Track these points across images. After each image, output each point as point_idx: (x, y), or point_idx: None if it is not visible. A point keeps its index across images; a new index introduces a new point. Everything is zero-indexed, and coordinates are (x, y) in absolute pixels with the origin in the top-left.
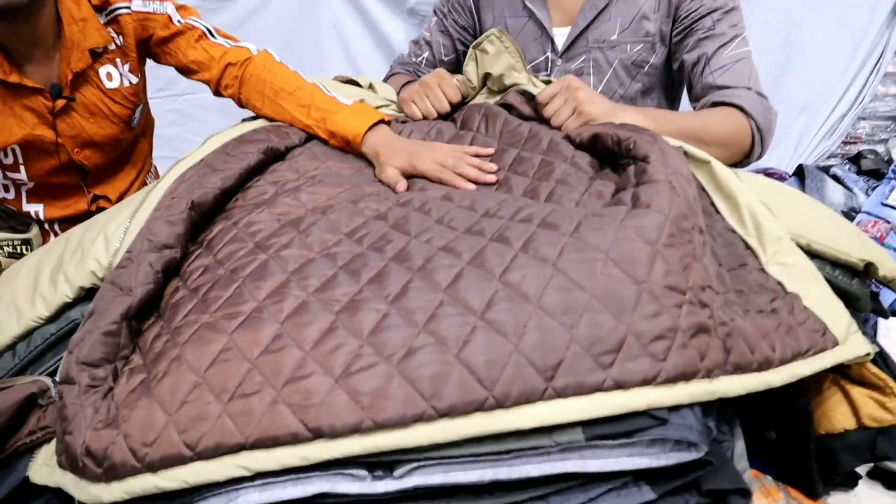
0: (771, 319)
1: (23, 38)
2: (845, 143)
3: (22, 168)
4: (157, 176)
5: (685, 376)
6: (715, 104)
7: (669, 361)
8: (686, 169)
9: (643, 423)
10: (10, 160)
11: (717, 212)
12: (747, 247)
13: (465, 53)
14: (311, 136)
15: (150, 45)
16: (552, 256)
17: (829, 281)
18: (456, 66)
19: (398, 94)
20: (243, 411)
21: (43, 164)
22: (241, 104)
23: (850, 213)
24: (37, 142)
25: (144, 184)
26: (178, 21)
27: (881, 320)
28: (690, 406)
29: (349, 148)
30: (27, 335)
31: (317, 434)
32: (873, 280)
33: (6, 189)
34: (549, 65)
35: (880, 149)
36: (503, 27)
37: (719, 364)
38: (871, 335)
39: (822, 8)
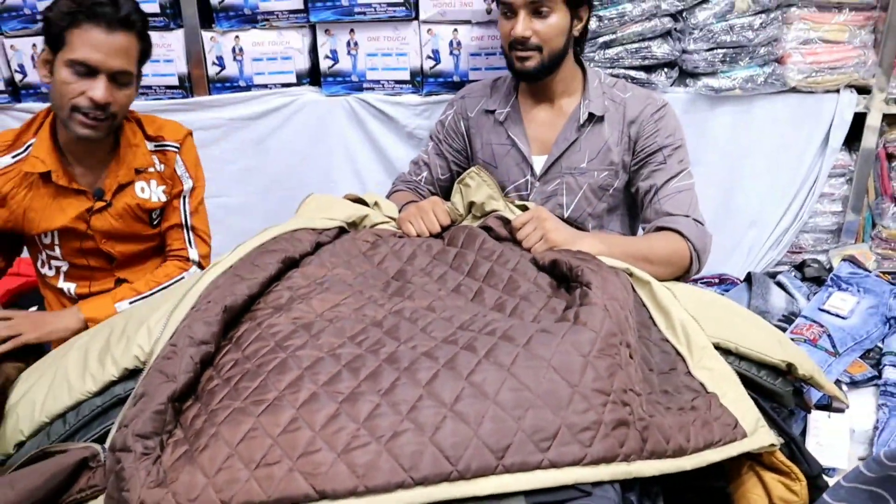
0: (690, 415)
1: (84, 150)
2: (792, 252)
3: (57, 248)
4: None
5: (606, 459)
6: (659, 228)
7: (594, 447)
8: (622, 294)
9: (572, 494)
10: (48, 240)
11: (655, 324)
12: (678, 353)
13: (458, 173)
14: (319, 244)
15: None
16: (507, 363)
17: (754, 381)
18: (451, 183)
19: (399, 212)
20: (266, 476)
21: (74, 247)
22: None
23: (790, 317)
24: (72, 230)
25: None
26: (184, 199)
27: (813, 413)
28: (612, 482)
29: None
30: (76, 406)
31: (322, 496)
32: (799, 380)
33: (49, 268)
34: (529, 186)
35: (822, 258)
36: (486, 160)
37: (636, 451)
38: (789, 427)
39: (764, 139)
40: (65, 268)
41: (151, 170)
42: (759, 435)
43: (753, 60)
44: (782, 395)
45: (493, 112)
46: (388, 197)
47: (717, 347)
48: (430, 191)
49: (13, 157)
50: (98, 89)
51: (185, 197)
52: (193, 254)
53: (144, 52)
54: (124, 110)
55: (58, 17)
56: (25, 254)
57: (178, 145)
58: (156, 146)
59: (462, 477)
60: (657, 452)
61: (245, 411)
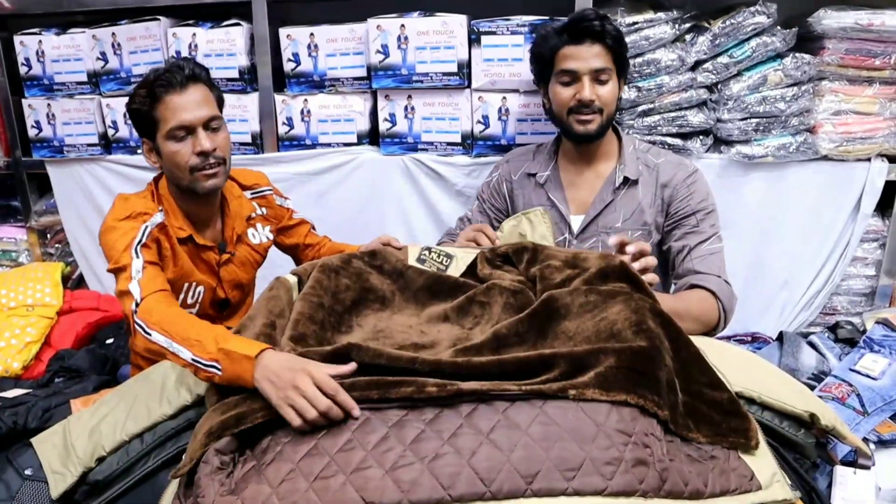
0: (709, 463)
1: (205, 209)
2: (825, 313)
3: (198, 305)
4: None
5: (626, 493)
6: (693, 286)
7: (614, 480)
8: None
9: None
10: (192, 299)
11: None
12: None
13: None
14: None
15: (275, 223)
16: (540, 403)
17: (776, 431)
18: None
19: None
20: (323, 488)
21: (206, 300)
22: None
23: (819, 376)
24: (205, 285)
25: None
26: (295, 215)
27: (838, 467)
28: None
29: None
30: (153, 427)
31: None
32: (826, 433)
33: None
34: (567, 244)
35: (856, 320)
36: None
37: (654, 489)
38: (812, 479)
39: (796, 203)
40: None
41: (254, 215)
42: (774, 489)
43: (786, 130)
44: (804, 446)
45: (534, 175)
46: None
47: (741, 396)
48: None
49: (158, 226)
50: (201, 141)
51: (293, 212)
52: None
53: (220, 98)
54: (229, 153)
55: (141, 104)
56: (105, 290)
57: (270, 188)
58: (253, 194)
59: (494, 497)
60: (675, 493)
61: (307, 433)
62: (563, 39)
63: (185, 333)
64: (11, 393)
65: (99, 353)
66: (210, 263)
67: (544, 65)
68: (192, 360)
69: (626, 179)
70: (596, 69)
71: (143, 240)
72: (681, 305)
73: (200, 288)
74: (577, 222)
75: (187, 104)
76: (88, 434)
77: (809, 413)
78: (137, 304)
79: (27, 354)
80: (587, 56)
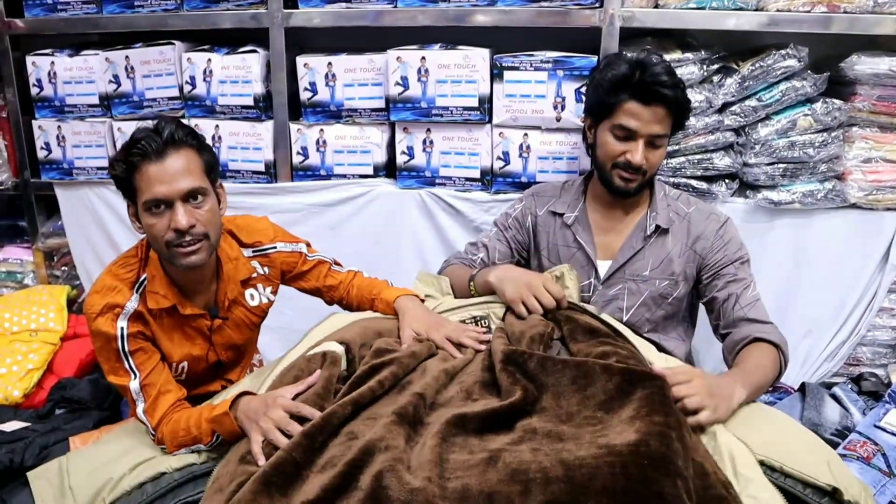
0: None
1: (194, 278)
2: (849, 364)
3: (185, 374)
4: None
5: None
6: (755, 339)
7: None
8: None
9: None
10: (177, 372)
11: None
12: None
13: (519, 262)
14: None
15: (286, 274)
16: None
17: (799, 497)
18: None
19: (473, 276)
20: None
21: (198, 367)
22: (341, 303)
23: (843, 431)
24: (198, 354)
25: (251, 364)
26: (309, 257)
27: None
28: None
29: (388, 309)
30: (158, 478)
31: None
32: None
33: None
34: (592, 289)
35: (881, 372)
36: (551, 260)
37: None
38: None
39: (822, 251)
40: (179, 379)
41: (254, 276)
42: None
43: (814, 176)
44: None
45: (560, 215)
46: (440, 271)
47: (763, 464)
48: None
49: (138, 292)
50: (177, 218)
51: (307, 256)
52: (344, 268)
53: (209, 163)
54: (215, 226)
55: (120, 171)
56: None
57: (273, 245)
58: (254, 252)
59: None
60: None
61: None
62: (630, 93)
63: (187, 438)
64: (10, 426)
65: (101, 383)
66: (201, 329)
67: (602, 108)
68: (204, 448)
69: (657, 227)
70: (654, 135)
71: (126, 346)
72: (762, 377)
73: (184, 364)
74: (603, 268)
75: (163, 175)
76: (87, 477)
77: (833, 487)
78: (151, 430)
79: (28, 382)
80: (650, 120)
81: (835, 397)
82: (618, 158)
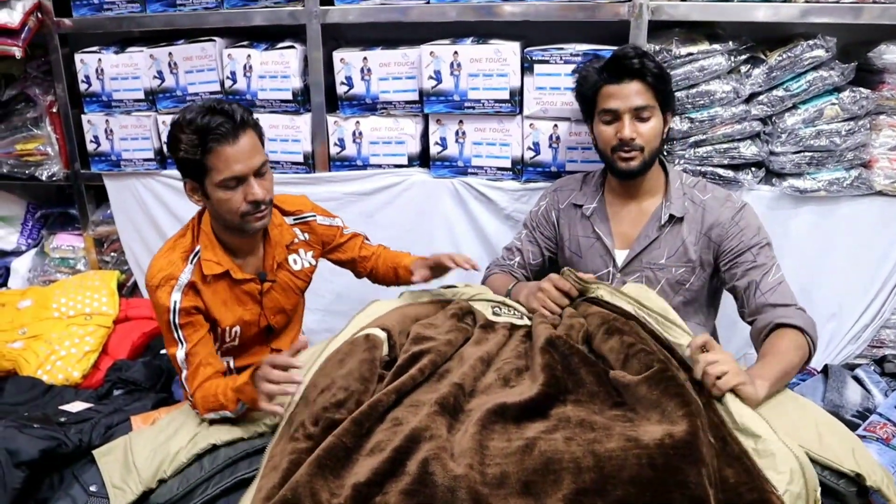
0: None
1: (247, 242)
2: (872, 346)
3: (238, 339)
4: None
5: None
6: (779, 325)
7: None
8: None
9: None
10: (230, 336)
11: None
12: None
13: (551, 258)
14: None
15: (326, 245)
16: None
17: (820, 480)
18: (542, 268)
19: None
20: None
21: (250, 332)
22: (370, 274)
23: (864, 413)
24: (250, 319)
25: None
26: (345, 231)
27: None
28: None
29: (406, 273)
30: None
31: None
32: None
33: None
34: (611, 277)
35: None
36: (572, 250)
37: None
38: None
39: (847, 237)
40: (229, 346)
41: (296, 241)
42: None
43: (840, 164)
44: (845, 494)
45: (580, 206)
46: (483, 281)
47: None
48: (523, 274)
49: (192, 262)
50: (255, 191)
51: (343, 230)
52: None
53: (262, 138)
54: (273, 193)
55: (190, 153)
56: None
57: (312, 213)
58: (295, 220)
59: None
60: None
61: None
62: (602, 78)
63: (215, 404)
64: (74, 407)
65: (154, 364)
66: (252, 294)
67: (587, 103)
68: (230, 414)
69: (671, 217)
70: (636, 107)
71: (177, 319)
72: (788, 364)
73: (236, 328)
74: (621, 256)
75: (240, 155)
76: (151, 455)
77: (856, 473)
78: (189, 395)
79: (86, 363)
80: (627, 94)
81: (857, 379)
82: (613, 142)
